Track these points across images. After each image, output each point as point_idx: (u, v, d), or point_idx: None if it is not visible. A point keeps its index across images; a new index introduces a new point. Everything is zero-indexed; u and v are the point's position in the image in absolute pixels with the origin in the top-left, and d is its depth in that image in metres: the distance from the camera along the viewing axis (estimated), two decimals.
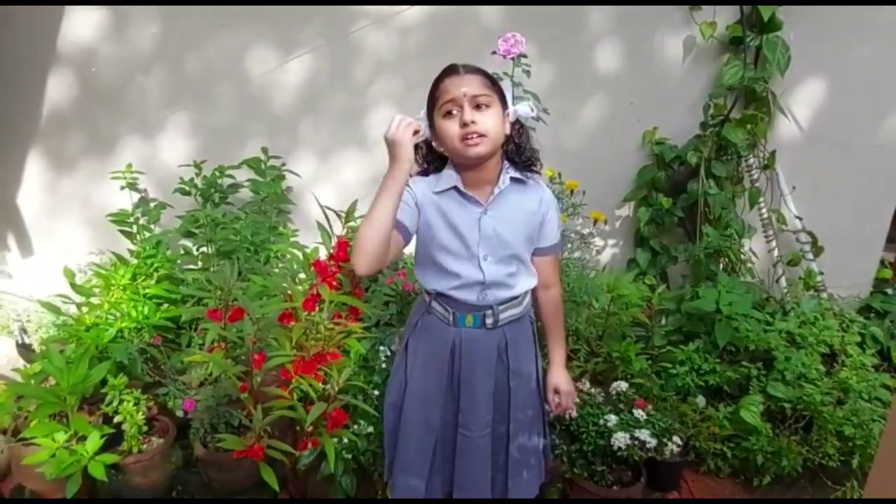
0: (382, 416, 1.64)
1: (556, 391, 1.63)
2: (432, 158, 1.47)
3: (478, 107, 1.36)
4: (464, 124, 1.35)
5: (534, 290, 1.58)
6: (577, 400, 1.77)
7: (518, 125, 1.46)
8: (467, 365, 1.50)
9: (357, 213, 1.74)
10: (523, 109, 1.44)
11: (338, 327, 1.57)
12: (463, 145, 1.36)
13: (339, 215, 1.73)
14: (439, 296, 1.49)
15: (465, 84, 1.35)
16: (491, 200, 1.43)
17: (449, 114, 1.37)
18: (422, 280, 1.52)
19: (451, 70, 1.39)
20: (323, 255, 1.77)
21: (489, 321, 1.48)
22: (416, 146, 1.44)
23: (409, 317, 1.63)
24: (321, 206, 1.72)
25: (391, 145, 1.35)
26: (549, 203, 1.51)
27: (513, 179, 1.45)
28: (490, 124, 1.37)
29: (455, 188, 1.43)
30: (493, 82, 1.40)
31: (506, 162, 1.47)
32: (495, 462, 1.57)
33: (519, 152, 1.46)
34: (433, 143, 1.45)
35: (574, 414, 1.84)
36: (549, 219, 1.51)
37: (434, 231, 1.44)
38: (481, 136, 1.35)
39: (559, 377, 1.63)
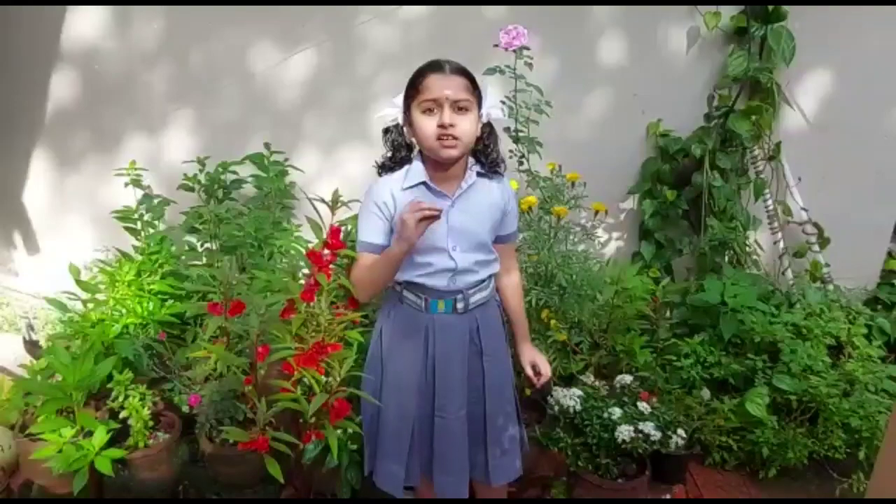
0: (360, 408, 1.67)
1: (533, 364, 1.69)
2: (400, 144, 1.51)
3: (458, 110, 1.39)
4: (441, 126, 1.38)
5: (497, 276, 1.63)
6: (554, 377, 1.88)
7: (488, 127, 1.51)
8: (442, 349, 1.53)
9: (343, 199, 1.76)
10: (496, 112, 1.50)
11: (337, 318, 1.58)
12: (438, 145, 1.40)
13: (327, 204, 1.74)
14: (409, 284, 1.53)
15: (449, 86, 1.38)
16: (458, 194, 1.48)
17: (429, 111, 1.40)
18: None
19: (436, 67, 1.40)
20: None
21: (460, 305, 1.52)
22: (387, 129, 1.51)
23: (381, 306, 1.66)
24: (309, 199, 1.77)
25: (403, 228, 1.38)
26: (510, 194, 1.58)
27: (478, 174, 1.51)
28: (466, 128, 1.41)
29: (424, 183, 1.47)
30: (475, 86, 1.43)
31: (471, 158, 1.52)
32: (475, 443, 1.60)
33: (486, 153, 1.51)
34: (404, 130, 1.49)
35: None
36: (510, 209, 1.59)
37: None
38: (456, 139, 1.39)
39: (532, 352, 1.72)
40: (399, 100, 1.48)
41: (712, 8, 2.41)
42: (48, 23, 2.66)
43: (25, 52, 2.73)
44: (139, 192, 2.56)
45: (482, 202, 1.51)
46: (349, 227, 2.01)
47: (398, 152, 1.51)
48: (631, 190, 2.68)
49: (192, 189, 2.55)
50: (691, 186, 2.55)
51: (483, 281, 1.55)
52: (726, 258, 2.56)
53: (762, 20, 2.40)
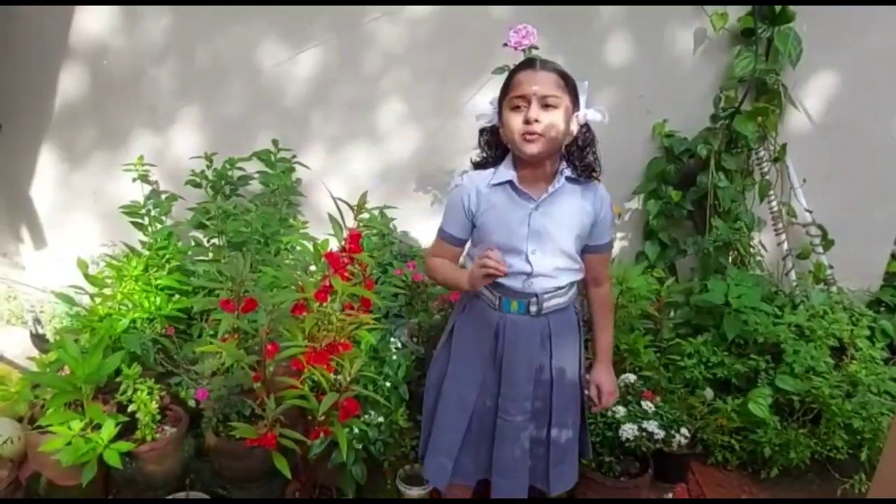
0: (423, 396, 1.70)
1: (598, 388, 1.64)
2: (495, 144, 1.52)
3: (546, 106, 1.38)
4: (526, 121, 1.38)
5: (585, 286, 1.61)
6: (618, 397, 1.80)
7: (585, 129, 1.48)
8: (510, 348, 1.53)
9: (368, 206, 1.75)
10: (593, 115, 1.47)
11: (349, 318, 1.59)
12: (521, 139, 1.40)
13: (351, 207, 1.74)
14: None
15: (538, 82, 1.38)
16: (544, 198, 1.46)
17: (516, 108, 1.40)
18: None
19: (527, 64, 1.42)
20: (334, 246, 1.78)
21: (533, 308, 1.51)
22: (481, 130, 1.52)
23: (458, 299, 1.68)
24: (333, 198, 1.74)
25: (474, 272, 1.42)
26: (602, 201, 1.53)
27: (568, 179, 1.48)
28: (552, 125, 1.39)
29: (510, 182, 1.46)
30: (566, 82, 1.41)
31: (564, 162, 1.49)
32: (535, 450, 1.59)
33: (581, 156, 1.48)
34: (500, 130, 1.48)
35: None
36: (602, 217, 1.54)
37: (487, 229, 1.49)
38: (540, 135, 1.38)
39: (602, 374, 1.64)
40: (495, 101, 1.48)
41: (719, 8, 2.41)
42: (56, 20, 2.67)
43: (34, 48, 2.74)
44: (146, 188, 2.57)
45: (570, 208, 1.48)
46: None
47: (492, 152, 1.52)
48: (636, 190, 2.69)
49: (199, 185, 2.56)
50: (696, 187, 2.56)
51: (561, 287, 1.51)
52: (730, 259, 2.57)
53: (769, 21, 2.40)
